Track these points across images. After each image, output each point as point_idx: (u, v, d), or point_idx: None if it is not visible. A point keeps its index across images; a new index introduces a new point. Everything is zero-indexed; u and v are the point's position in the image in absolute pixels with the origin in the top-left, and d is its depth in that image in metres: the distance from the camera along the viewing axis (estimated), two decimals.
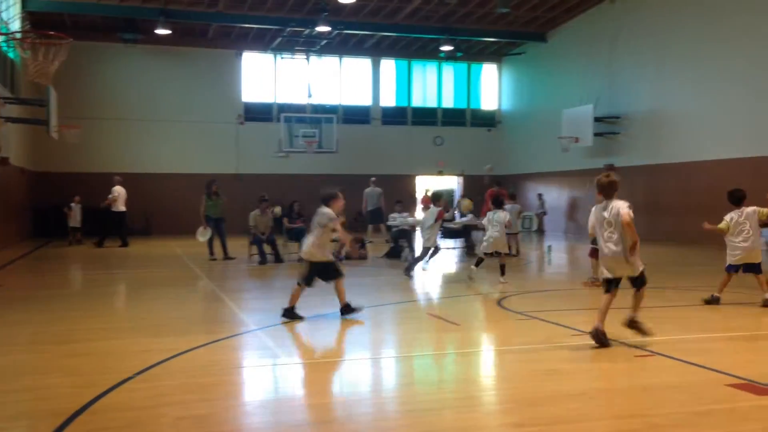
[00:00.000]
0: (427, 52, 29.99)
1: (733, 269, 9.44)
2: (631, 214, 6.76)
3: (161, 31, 23.39)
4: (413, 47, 29.91)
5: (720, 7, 20.23)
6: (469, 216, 18.58)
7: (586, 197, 26.18)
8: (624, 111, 24.03)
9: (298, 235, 15.90)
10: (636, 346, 6.68)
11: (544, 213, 28.25)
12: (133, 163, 26.14)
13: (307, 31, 25.89)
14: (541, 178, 29.06)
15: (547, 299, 10.42)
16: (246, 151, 28.05)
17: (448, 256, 17.67)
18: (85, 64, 25.54)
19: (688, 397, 5.05)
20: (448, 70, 31.64)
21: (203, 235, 15.92)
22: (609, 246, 6.84)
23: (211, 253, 15.94)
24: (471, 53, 30.65)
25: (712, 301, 9.32)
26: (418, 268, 13.39)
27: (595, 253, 11.34)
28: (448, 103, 31.76)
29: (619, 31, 24.17)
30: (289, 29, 25.50)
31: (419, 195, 31.07)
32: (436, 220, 12.86)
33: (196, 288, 11.99)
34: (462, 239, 17.68)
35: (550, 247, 19.16)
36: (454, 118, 31.57)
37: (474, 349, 7.17)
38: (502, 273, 12.03)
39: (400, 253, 16.35)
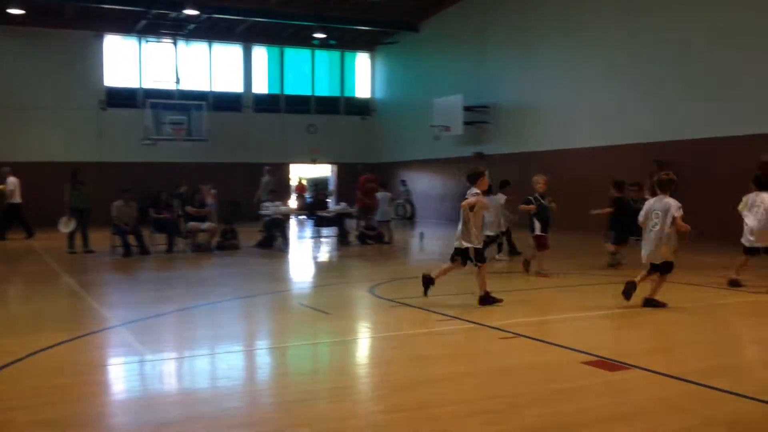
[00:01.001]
0: (300, 40, 29.68)
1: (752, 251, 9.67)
2: (680, 214, 7.86)
3: (13, 11, 21.81)
4: (285, 34, 29.50)
5: (582, 3, 21.26)
6: (343, 204, 18.62)
7: (458, 185, 26.90)
8: (492, 101, 24.80)
9: (165, 226, 15.34)
10: (500, 329, 6.91)
11: (408, 200, 28.81)
12: None
13: (173, 15, 24.92)
14: (413, 166, 29.56)
15: (419, 286, 10.55)
16: (109, 139, 26.70)
17: (320, 244, 17.63)
18: None
19: (547, 376, 5.27)
20: (322, 58, 31.48)
21: (66, 226, 15.03)
22: (650, 235, 7.95)
23: (71, 245, 15.08)
24: (344, 41, 30.63)
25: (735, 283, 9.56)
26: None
27: (543, 244, 11.31)
28: (322, 91, 31.62)
29: (487, 22, 24.90)
30: (153, 11, 24.45)
31: (293, 183, 30.90)
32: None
33: (52, 283, 11.25)
34: (335, 227, 17.67)
35: (422, 233, 19.52)
36: (327, 106, 31.47)
37: (345, 338, 7.17)
38: (500, 251, 13.18)
39: (272, 242, 16.15)
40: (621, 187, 12.39)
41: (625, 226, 12.05)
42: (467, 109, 24.84)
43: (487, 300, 8.16)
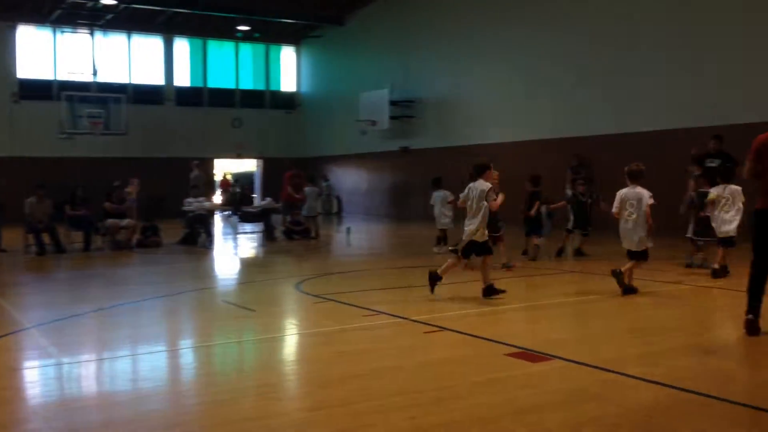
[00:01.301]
0: (223, 32, 29.15)
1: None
2: (652, 202, 8.33)
3: None
4: (208, 26, 28.92)
5: (504, 4, 21.60)
6: (268, 200, 18.41)
7: (382, 178, 27.02)
8: (418, 95, 24.98)
9: (80, 223, 14.82)
10: (425, 323, 6.96)
11: (328, 194, 28.79)
12: None
13: (90, 4, 24.06)
14: (340, 161, 29.49)
15: (345, 281, 10.58)
16: (23, 132, 25.59)
17: (245, 240, 17.41)
18: None
19: (470, 369, 5.33)
20: (246, 51, 31.02)
21: None
22: (627, 224, 8.42)
23: None
24: (269, 34, 30.26)
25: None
26: None
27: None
28: (247, 84, 31.17)
29: (412, 17, 25.03)
30: (69, 0, 23.54)
31: (218, 178, 30.42)
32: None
33: None
34: (261, 223, 17.46)
35: (349, 228, 19.50)
36: (252, 99, 31.05)
37: (270, 335, 7.07)
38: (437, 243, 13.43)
39: (196, 238, 15.82)
40: (537, 183, 12.64)
41: (539, 220, 12.40)
42: (393, 103, 24.95)
43: (434, 279, 8.32)
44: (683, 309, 8.09)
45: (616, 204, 8.57)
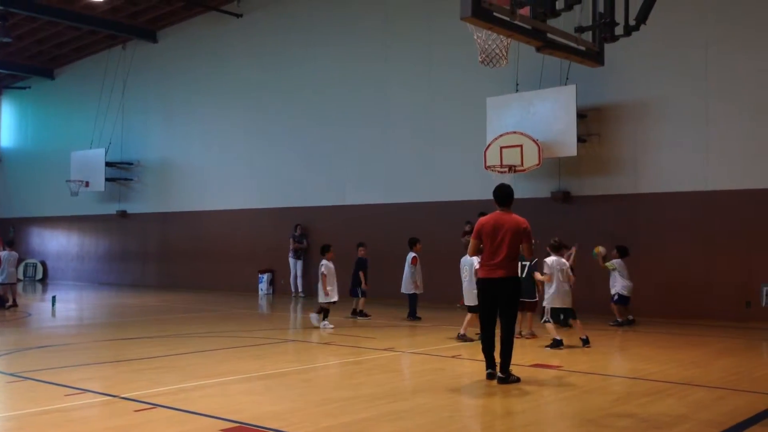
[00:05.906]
0: None
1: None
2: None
3: None
4: None
5: (222, 75, 21.80)
6: None
7: (97, 243, 25.29)
8: (136, 157, 24.03)
9: None
10: (136, 400, 6.52)
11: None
12: None
13: None
14: (48, 223, 27.15)
15: (46, 356, 9.57)
16: None
17: None
18: None
19: None
20: None
21: None
22: (564, 287, 9.95)
23: None
24: None
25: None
26: None
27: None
28: None
29: (130, 77, 24.19)
30: None
31: None
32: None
33: None
34: None
35: (54, 297, 17.77)
36: None
37: None
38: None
39: None
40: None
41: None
42: (110, 164, 23.76)
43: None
44: (396, 375, 8.52)
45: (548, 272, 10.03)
